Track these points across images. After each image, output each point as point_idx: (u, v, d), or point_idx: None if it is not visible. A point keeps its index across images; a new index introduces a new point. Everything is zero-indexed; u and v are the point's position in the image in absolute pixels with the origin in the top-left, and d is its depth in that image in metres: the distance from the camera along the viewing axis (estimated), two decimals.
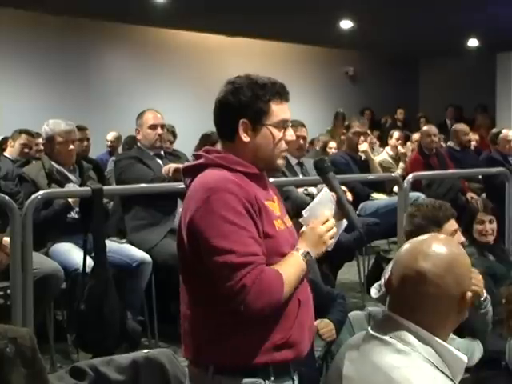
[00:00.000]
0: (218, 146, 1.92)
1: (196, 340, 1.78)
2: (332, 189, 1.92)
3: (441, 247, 1.50)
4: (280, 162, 1.87)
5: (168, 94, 10.38)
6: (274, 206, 1.86)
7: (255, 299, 1.65)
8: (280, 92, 1.85)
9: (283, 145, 1.86)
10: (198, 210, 1.71)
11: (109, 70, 10.23)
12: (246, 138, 1.82)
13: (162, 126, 4.32)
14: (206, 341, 1.75)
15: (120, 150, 7.67)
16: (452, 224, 2.77)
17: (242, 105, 1.81)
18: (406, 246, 1.57)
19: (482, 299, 2.60)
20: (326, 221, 1.84)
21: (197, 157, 1.88)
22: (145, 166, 4.16)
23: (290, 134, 1.88)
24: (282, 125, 1.85)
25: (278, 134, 1.84)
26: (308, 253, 1.79)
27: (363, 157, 5.46)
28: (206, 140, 5.28)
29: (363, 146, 5.40)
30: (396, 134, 6.91)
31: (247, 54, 11.08)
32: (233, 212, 1.68)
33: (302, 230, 1.85)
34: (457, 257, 1.50)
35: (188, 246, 1.75)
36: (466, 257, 1.53)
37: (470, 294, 1.47)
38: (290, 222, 1.92)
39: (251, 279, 1.65)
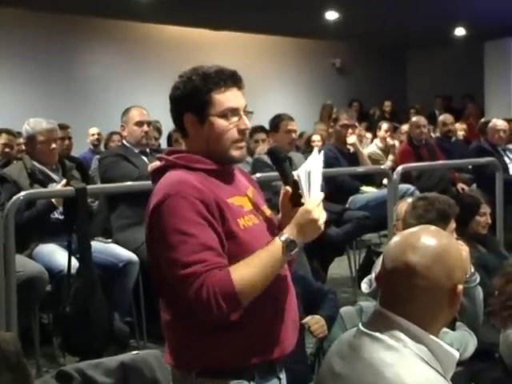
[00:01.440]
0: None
1: (175, 345, 1.76)
2: (286, 182, 1.83)
3: (430, 239, 1.49)
4: (235, 152, 1.80)
5: (153, 90, 10.28)
6: (243, 201, 1.81)
7: (206, 309, 1.60)
8: (225, 79, 1.79)
9: (234, 134, 1.79)
10: (151, 221, 1.70)
11: (92, 66, 10.15)
12: (193, 131, 1.80)
13: (149, 123, 4.33)
14: (184, 346, 1.73)
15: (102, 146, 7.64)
16: (453, 221, 2.77)
17: (183, 98, 1.79)
18: (396, 238, 1.56)
19: (469, 275, 2.62)
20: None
21: (159, 159, 1.86)
22: (130, 164, 4.14)
23: (244, 123, 1.81)
24: (230, 113, 1.79)
25: (223, 123, 1.78)
26: (292, 241, 1.70)
27: (351, 149, 5.46)
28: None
29: (351, 139, 5.40)
30: (385, 125, 6.92)
31: (233, 47, 11.06)
32: (182, 219, 1.65)
33: (297, 210, 1.75)
34: (447, 248, 1.49)
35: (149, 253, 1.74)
36: (457, 249, 1.52)
37: (461, 286, 1.47)
38: (267, 213, 1.87)
39: (193, 291, 1.60)
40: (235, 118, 1.80)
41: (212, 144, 1.79)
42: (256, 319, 1.71)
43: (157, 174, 1.81)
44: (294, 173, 1.81)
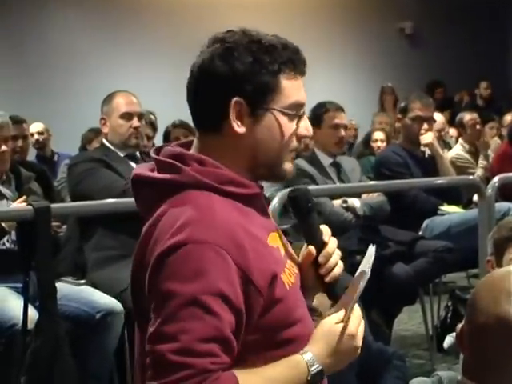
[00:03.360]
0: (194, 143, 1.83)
1: None
2: (311, 240, 1.85)
3: None
4: (287, 166, 1.81)
5: (142, 71, 10.44)
6: (276, 240, 1.81)
7: None
8: (294, 60, 1.77)
9: (294, 142, 1.79)
10: (152, 274, 1.66)
11: (56, 39, 10.30)
12: (239, 127, 1.73)
13: (140, 116, 4.34)
14: None
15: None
16: None
17: (238, 75, 1.71)
18: (484, 281, 1.57)
19: None
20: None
21: (163, 166, 1.76)
22: (113, 173, 4.18)
23: (306, 127, 1.81)
24: (296, 111, 1.78)
25: (289, 124, 1.77)
26: (321, 371, 1.71)
27: (427, 152, 5.46)
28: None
29: (427, 138, 5.41)
30: (468, 115, 6.92)
31: (251, 5, 11.12)
32: (207, 285, 1.61)
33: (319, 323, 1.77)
34: None
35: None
36: None
37: None
38: (294, 256, 1.88)
39: None
40: (295, 119, 1.78)
41: (264, 150, 1.76)
42: None
43: (161, 190, 1.73)
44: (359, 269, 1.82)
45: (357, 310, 1.77)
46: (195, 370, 1.57)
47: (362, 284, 1.77)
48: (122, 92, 4.42)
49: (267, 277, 1.68)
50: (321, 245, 1.84)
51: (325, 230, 1.88)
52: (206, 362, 1.58)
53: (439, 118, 6.61)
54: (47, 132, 8.06)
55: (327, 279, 1.83)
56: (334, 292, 1.85)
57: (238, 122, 1.74)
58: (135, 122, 4.28)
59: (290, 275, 1.76)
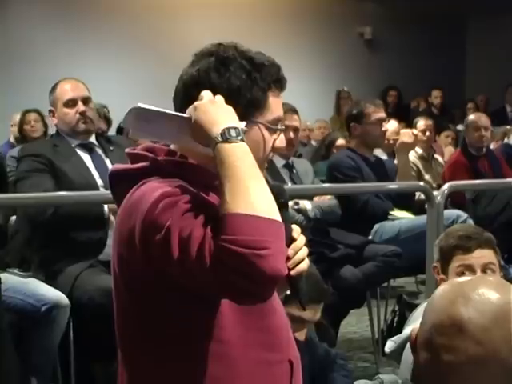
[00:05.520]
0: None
1: None
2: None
3: (491, 292, 1.49)
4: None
5: (101, 62, 10.38)
6: None
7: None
8: (281, 79, 1.93)
9: (270, 152, 1.94)
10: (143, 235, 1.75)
11: (12, 26, 10.21)
12: None
13: (85, 100, 4.23)
14: None
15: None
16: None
17: (232, 89, 1.86)
18: (443, 287, 1.58)
19: None
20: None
21: (135, 157, 1.90)
22: (48, 178, 4.06)
23: (281, 140, 1.96)
24: (276, 126, 1.93)
25: (270, 137, 1.92)
26: (224, 129, 1.75)
27: (384, 156, 5.49)
28: None
29: (408, 136, 5.44)
30: (422, 122, 6.98)
31: (220, 9, 11.09)
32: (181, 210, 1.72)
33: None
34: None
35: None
36: None
37: None
38: None
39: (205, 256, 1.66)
40: (275, 133, 1.94)
41: None
42: None
43: (132, 178, 1.85)
44: None
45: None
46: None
47: None
48: (64, 80, 4.33)
49: None
50: (290, 241, 1.91)
51: (295, 228, 1.96)
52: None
53: (394, 124, 6.66)
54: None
55: (293, 272, 1.88)
56: (297, 286, 1.92)
57: None
58: (80, 107, 4.19)
59: None
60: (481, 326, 1.48)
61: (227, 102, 1.81)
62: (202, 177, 1.86)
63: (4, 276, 3.56)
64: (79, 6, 10.36)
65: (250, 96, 1.86)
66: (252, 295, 1.66)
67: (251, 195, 1.66)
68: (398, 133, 6.01)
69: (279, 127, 1.94)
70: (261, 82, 1.87)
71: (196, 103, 1.79)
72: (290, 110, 4.97)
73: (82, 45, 10.30)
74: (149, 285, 1.79)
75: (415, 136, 5.67)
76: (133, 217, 1.77)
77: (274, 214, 1.68)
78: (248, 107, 1.86)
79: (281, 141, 1.95)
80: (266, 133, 1.90)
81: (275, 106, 1.91)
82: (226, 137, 1.71)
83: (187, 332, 1.80)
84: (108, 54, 10.56)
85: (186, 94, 1.88)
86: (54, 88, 4.29)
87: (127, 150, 1.94)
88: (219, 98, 1.80)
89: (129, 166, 1.91)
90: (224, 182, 1.68)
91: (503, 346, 1.48)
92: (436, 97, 12.04)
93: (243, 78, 1.86)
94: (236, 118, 1.77)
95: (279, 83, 1.92)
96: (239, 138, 1.72)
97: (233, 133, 1.72)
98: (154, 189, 1.76)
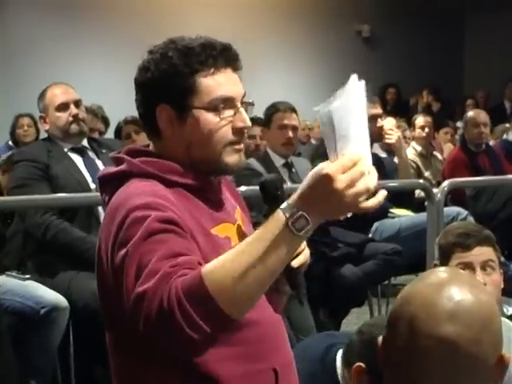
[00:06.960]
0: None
1: None
2: None
3: (466, 295, 1.46)
4: (229, 158, 1.86)
5: (101, 61, 10.36)
6: (231, 231, 1.86)
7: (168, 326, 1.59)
8: (215, 57, 1.84)
9: (228, 134, 1.85)
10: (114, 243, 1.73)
11: (12, 25, 10.21)
12: (169, 131, 1.85)
13: (76, 103, 4.24)
14: None
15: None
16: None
17: (156, 83, 1.84)
18: (414, 296, 1.55)
19: None
20: (354, 163, 1.62)
21: (116, 161, 1.89)
22: (44, 186, 4.06)
23: (241, 119, 1.86)
24: (222, 105, 1.84)
25: (212, 119, 1.83)
26: (301, 215, 1.58)
27: (384, 154, 5.48)
28: None
29: (393, 137, 5.43)
30: (420, 119, 6.96)
31: (217, 8, 11.10)
32: (149, 229, 1.68)
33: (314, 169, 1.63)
34: (490, 307, 1.48)
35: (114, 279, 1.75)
36: (495, 304, 1.52)
37: (507, 354, 1.47)
38: None
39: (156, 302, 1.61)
40: (229, 112, 1.85)
41: (196, 149, 1.85)
42: None
43: (111, 181, 1.85)
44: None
45: (349, 159, 1.63)
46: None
47: (337, 122, 1.66)
48: (53, 85, 4.34)
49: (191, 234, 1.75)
50: None
51: None
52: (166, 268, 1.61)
53: (392, 122, 6.65)
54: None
55: (292, 263, 1.80)
56: (296, 279, 1.87)
57: (167, 126, 1.85)
58: (73, 110, 4.19)
59: None
60: (472, 340, 1.44)
61: (158, 98, 1.83)
62: (181, 177, 1.84)
63: (2, 279, 3.56)
64: (79, 6, 10.36)
65: (173, 85, 1.82)
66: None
67: (243, 281, 1.57)
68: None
69: (231, 105, 1.84)
70: (184, 68, 1.81)
71: (339, 179, 1.58)
72: (288, 109, 4.98)
73: (82, 44, 10.30)
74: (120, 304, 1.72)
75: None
76: (109, 226, 1.77)
77: (242, 312, 1.63)
78: (176, 97, 1.82)
79: (241, 120, 1.85)
80: (206, 116, 1.82)
81: (213, 86, 1.82)
82: (296, 227, 1.58)
83: (164, 355, 1.75)
84: (107, 53, 10.54)
85: (135, 100, 1.91)
86: (43, 94, 4.28)
87: (111, 154, 1.95)
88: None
89: (110, 169, 1.91)
90: (241, 247, 1.61)
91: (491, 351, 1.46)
92: (435, 93, 12.03)
93: (163, 69, 1.82)
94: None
95: (212, 61, 1.82)
96: (301, 233, 1.58)
97: (303, 226, 1.58)
98: (128, 197, 1.75)
